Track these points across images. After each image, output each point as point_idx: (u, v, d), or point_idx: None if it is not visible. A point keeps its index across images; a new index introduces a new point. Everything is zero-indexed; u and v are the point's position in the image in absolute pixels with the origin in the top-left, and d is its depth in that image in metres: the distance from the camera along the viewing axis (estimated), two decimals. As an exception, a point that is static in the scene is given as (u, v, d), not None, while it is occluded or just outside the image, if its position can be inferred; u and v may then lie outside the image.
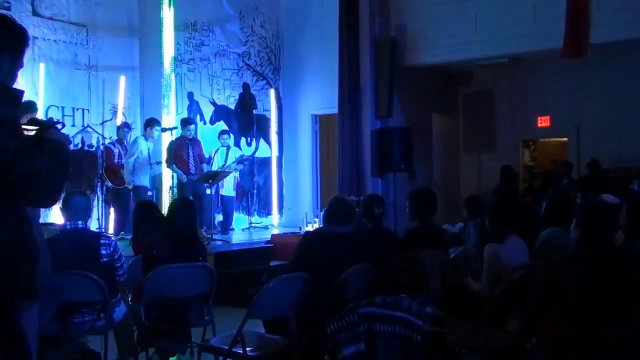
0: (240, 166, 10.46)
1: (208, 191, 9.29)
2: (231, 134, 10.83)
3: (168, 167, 9.31)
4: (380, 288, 3.75)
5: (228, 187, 10.33)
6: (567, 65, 10.55)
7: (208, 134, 11.14)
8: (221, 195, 10.33)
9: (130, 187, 9.19)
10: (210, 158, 10.29)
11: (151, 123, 9.26)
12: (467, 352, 4.21)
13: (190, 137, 9.37)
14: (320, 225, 8.15)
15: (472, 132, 12.90)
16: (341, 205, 4.59)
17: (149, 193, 9.39)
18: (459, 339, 4.01)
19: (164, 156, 9.35)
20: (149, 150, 9.25)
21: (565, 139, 12.30)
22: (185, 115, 10.47)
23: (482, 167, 12.63)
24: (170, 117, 9.69)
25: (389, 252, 4.53)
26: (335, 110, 11.10)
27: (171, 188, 9.60)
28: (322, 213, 8.81)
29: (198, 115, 11.13)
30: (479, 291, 4.41)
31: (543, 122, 12.25)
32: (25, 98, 9.34)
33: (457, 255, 5.16)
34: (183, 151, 9.21)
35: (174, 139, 9.37)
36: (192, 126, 9.54)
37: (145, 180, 9.22)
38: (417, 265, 4.44)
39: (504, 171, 10.54)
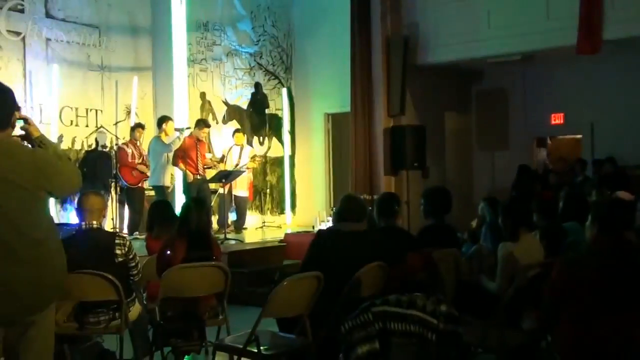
0: (255, 164, 10.44)
1: (221, 190, 9.31)
2: (244, 133, 10.85)
3: (174, 165, 9.35)
4: (394, 286, 3.74)
5: (241, 186, 10.34)
6: (581, 62, 10.49)
7: (220, 133, 11.19)
8: (234, 194, 10.35)
9: (151, 186, 9.27)
10: (222, 157, 10.32)
11: (165, 120, 9.29)
12: (481, 350, 4.20)
13: (202, 138, 9.39)
14: (331, 224, 8.16)
15: (485, 130, 12.84)
16: (353, 203, 4.58)
17: (168, 191, 9.45)
18: (473, 337, 3.99)
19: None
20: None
21: (580, 136, 12.22)
22: (198, 115, 10.53)
23: (496, 165, 12.56)
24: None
25: (403, 250, 4.52)
26: (347, 109, 11.09)
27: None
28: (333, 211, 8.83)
29: (211, 115, 11.17)
30: (494, 290, 4.39)
31: (557, 119, 12.17)
32: (37, 100, 9.44)
33: (471, 253, 5.13)
34: (192, 151, 9.23)
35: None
36: (207, 129, 9.57)
37: (167, 180, 9.28)
38: (431, 264, 4.43)
39: (520, 169, 10.53)
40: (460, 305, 3.44)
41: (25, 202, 2.81)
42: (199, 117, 10.72)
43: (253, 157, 10.28)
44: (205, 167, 9.48)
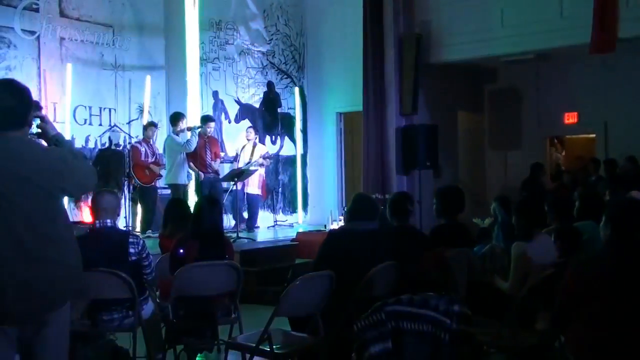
0: (268, 161, 10.44)
1: (233, 188, 9.33)
2: (257, 131, 10.86)
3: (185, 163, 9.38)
4: (407, 286, 3.74)
5: (253, 185, 10.35)
6: (595, 61, 10.42)
7: (233, 132, 11.21)
8: (247, 193, 10.36)
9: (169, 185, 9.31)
10: (236, 156, 10.34)
11: (179, 118, 9.32)
12: (494, 351, 4.18)
13: (209, 135, 9.41)
14: (343, 223, 8.16)
15: (498, 129, 12.79)
16: (365, 202, 4.58)
17: (185, 189, 9.49)
18: (486, 337, 3.98)
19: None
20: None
21: (593, 135, 12.15)
22: (210, 114, 10.55)
23: (508, 164, 12.51)
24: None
25: (415, 250, 4.51)
26: (359, 108, 11.08)
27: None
28: (345, 210, 8.82)
29: (223, 114, 11.20)
30: (507, 290, 4.38)
31: (570, 118, 12.10)
32: (52, 99, 9.51)
33: (484, 253, 5.11)
34: (201, 149, 9.26)
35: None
36: (212, 124, 9.58)
37: (183, 178, 9.32)
38: (444, 263, 4.42)
39: (532, 168, 10.49)
40: (473, 305, 3.43)
41: (40, 200, 2.83)
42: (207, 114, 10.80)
43: (265, 158, 10.26)
44: (221, 162, 9.52)
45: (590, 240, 4.64)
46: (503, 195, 6.86)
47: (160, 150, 9.54)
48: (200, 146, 9.27)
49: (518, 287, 4.23)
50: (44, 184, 2.83)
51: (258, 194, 10.50)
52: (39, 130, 3.00)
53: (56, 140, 3.02)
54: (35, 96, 8.71)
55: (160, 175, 9.41)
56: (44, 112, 8.84)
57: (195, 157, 9.26)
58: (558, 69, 11.56)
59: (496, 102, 12.85)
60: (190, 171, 9.53)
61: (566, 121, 12.13)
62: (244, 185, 10.05)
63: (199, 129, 9.32)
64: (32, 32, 9.19)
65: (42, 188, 2.82)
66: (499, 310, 4.16)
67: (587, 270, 3.20)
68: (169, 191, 9.43)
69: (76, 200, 9.02)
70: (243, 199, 10.28)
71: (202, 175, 9.27)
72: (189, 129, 9.26)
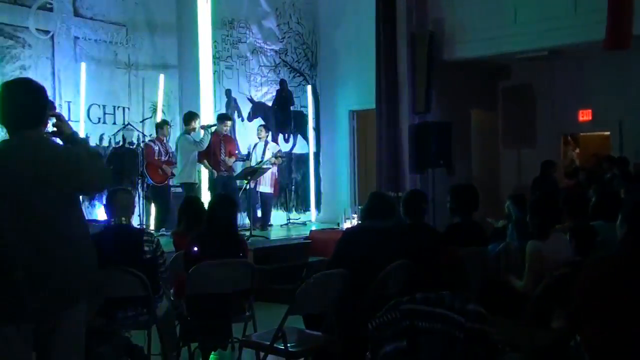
0: (280, 160, 10.44)
1: (248, 187, 9.34)
2: (269, 129, 10.87)
3: (199, 161, 9.41)
4: (421, 284, 3.72)
5: (265, 183, 10.35)
6: (609, 58, 10.34)
7: (246, 130, 11.22)
8: (259, 191, 10.36)
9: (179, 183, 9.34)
10: (248, 154, 10.35)
11: (192, 117, 9.35)
12: (509, 350, 4.16)
13: (225, 133, 9.43)
14: (359, 221, 8.15)
15: (512, 126, 12.73)
16: (381, 200, 4.58)
17: (196, 187, 9.52)
18: (501, 336, 3.96)
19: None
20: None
21: (608, 133, 12.06)
22: (223, 112, 10.56)
23: (522, 162, 12.45)
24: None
25: (430, 248, 4.50)
26: (372, 106, 11.06)
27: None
28: (360, 208, 8.80)
29: (236, 112, 11.22)
30: (521, 288, 4.35)
31: (584, 115, 12.02)
32: (66, 98, 9.55)
33: (499, 251, 5.09)
34: (216, 147, 9.28)
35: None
36: (229, 122, 9.61)
37: (195, 177, 9.35)
38: (458, 262, 4.41)
39: (542, 165, 10.45)
40: (488, 304, 3.42)
41: (56, 199, 2.84)
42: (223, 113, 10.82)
43: (276, 156, 10.26)
44: (234, 161, 9.54)
45: (605, 242, 4.60)
46: (517, 193, 6.82)
47: (174, 149, 9.57)
48: (215, 144, 9.30)
49: (533, 285, 4.21)
50: (60, 183, 2.85)
51: (270, 192, 10.51)
52: (55, 129, 3.02)
53: (72, 138, 3.03)
54: (49, 95, 8.75)
55: (173, 174, 9.44)
56: (58, 111, 8.92)
57: (209, 155, 9.28)
58: (572, 65, 11.48)
59: (510, 99, 12.78)
60: (204, 169, 9.56)
61: (580, 118, 12.05)
62: (256, 184, 10.06)
63: (214, 127, 9.34)
64: (47, 32, 9.25)
65: (58, 187, 2.84)
66: (513, 309, 4.14)
67: (603, 269, 3.17)
68: (180, 189, 9.47)
69: (91, 198, 9.07)
70: (256, 198, 10.29)
71: (215, 173, 9.30)
72: (204, 127, 9.29)
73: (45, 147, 2.94)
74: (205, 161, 9.32)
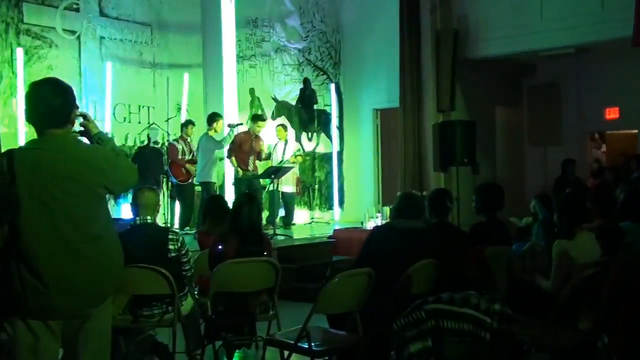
0: (299, 159, 10.40)
1: (271, 187, 9.35)
2: (287, 128, 10.83)
3: (228, 157, 9.43)
4: (446, 284, 3.70)
5: (287, 182, 10.31)
6: (637, 55, 10.18)
7: (270, 129, 11.23)
8: (281, 191, 10.32)
9: (197, 182, 9.37)
10: (269, 153, 10.37)
11: (215, 118, 9.39)
12: (535, 350, 4.12)
13: (258, 133, 9.44)
14: (387, 220, 8.12)
15: (537, 124, 12.61)
16: (412, 201, 4.56)
17: (215, 187, 9.55)
18: (527, 337, 3.92)
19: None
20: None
21: (635, 131, 11.89)
22: (247, 111, 10.61)
23: (548, 160, 12.31)
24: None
25: (455, 247, 4.47)
26: (396, 104, 11.02)
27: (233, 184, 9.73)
28: (387, 208, 8.78)
29: (259, 111, 11.24)
30: (548, 288, 4.31)
31: (611, 113, 11.87)
32: (93, 97, 9.61)
33: (524, 251, 5.04)
34: (246, 146, 9.31)
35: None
36: (262, 123, 9.59)
37: (214, 176, 9.38)
38: (484, 261, 4.37)
39: (562, 164, 10.38)
40: (513, 304, 3.39)
41: (84, 198, 2.87)
42: (248, 113, 10.86)
43: (296, 156, 10.22)
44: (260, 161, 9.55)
45: (633, 243, 4.53)
46: (543, 192, 6.76)
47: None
48: (245, 142, 9.30)
49: (560, 285, 4.16)
50: (88, 182, 2.87)
51: (293, 192, 10.50)
52: (82, 129, 3.05)
53: (98, 138, 3.06)
54: (76, 95, 8.86)
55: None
56: (83, 110, 9.02)
57: (237, 154, 9.30)
58: (599, 63, 11.34)
59: (535, 97, 12.66)
60: (230, 167, 9.57)
61: (607, 116, 11.91)
62: (278, 184, 10.03)
63: (239, 126, 9.38)
64: (73, 32, 9.36)
65: (85, 186, 2.87)
66: (539, 310, 4.10)
67: (632, 270, 3.13)
68: (200, 188, 9.51)
69: (117, 197, 9.14)
70: (278, 197, 10.29)
71: (240, 172, 9.31)
72: (230, 125, 9.31)
73: (74, 146, 2.97)
74: (233, 158, 9.33)
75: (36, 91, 2.94)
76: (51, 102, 2.89)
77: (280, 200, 10.34)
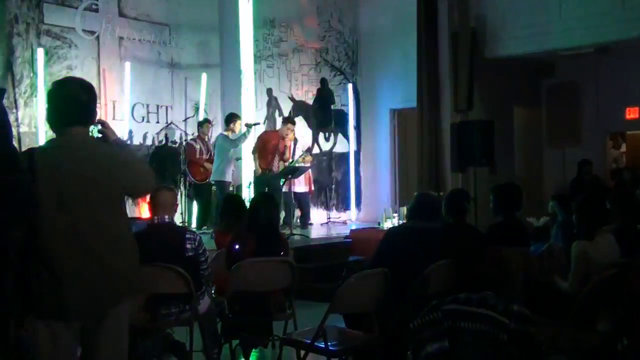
0: (309, 158, 10.34)
1: (285, 188, 9.34)
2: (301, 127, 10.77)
3: (252, 154, 9.40)
4: (464, 285, 3.69)
5: (300, 182, 10.21)
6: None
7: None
8: (294, 191, 10.24)
9: (213, 182, 9.39)
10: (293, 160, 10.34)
11: (233, 118, 9.39)
12: (553, 352, 4.09)
13: (284, 135, 9.42)
14: (404, 221, 8.09)
15: (556, 124, 12.50)
16: (428, 201, 4.55)
17: (230, 188, 9.56)
18: (545, 338, 3.89)
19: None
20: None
21: (656, 131, 11.78)
22: (264, 111, 10.62)
23: (567, 161, 12.20)
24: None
25: (472, 248, 4.45)
26: (413, 104, 10.98)
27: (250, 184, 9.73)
28: (404, 208, 8.73)
29: (277, 111, 11.26)
30: (567, 290, 4.27)
31: (632, 113, 11.74)
32: (111, 97, 9.66)
33: (542, 252, 5.01)
34: (270, 145, 9.26)
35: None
36: (292, 126, 9.49)
37: (229, 176, 9.40)
38: (501, 262, 4.35)
39: (579, 165, 10.30)
40: (532, 305, 3.36)
41: (104, 199, 2.89)
42: (265, 113, 10.87)
43: (304, 157, 10.14)
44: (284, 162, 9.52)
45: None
46: (562, 193, 6.71)
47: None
48: (270, 143, 9.26)
49: (579, 287, 4.13)
50: (108, 182, 2.89)
51: (306, 191, 10.45)
52: (100, 135, 3.07)
53: (116, 145, 3.08)
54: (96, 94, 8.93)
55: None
56: (103, 110, 9.11)
57: (262, 152, 9.26)
58: (619, 62, 11.22)
59: (554, 97, 12.56)
60: (250, 166, 9.55)
61: (627, 116, 11.77)
62: (290, 184, 9.99)
63: (257, 125, 9.37)
64: (92, 32, 9.44)
65: (105, 186, 2.88)
66: (558, 311, 4.07)
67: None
68: (215, 187, 9.52)
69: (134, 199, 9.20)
70: (291, 198, 10.23)
71: (259, 170, 9.29)
72: (247, 125, 9.31)
73: (94, 146, 2.99)
74: (257, 156, 9.30)
75: (63, 87, 2.97)
76: (79, 97, 2.91)
77: (294, 202, 10.29)
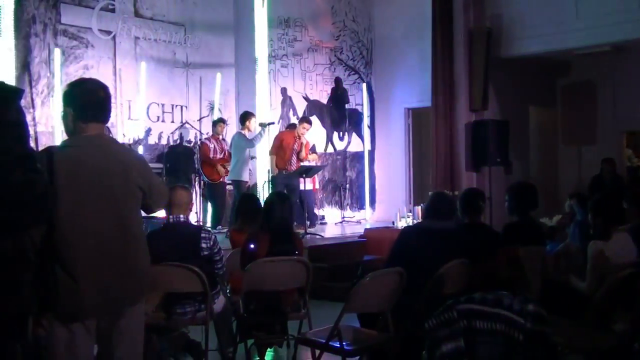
0: (314, 156, 10.26)
1: (302, 186, 9.33)
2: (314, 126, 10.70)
3: (270, 154, 9.38)
4: (479, 284, 3.67)
5: (306, 180, 10.12)
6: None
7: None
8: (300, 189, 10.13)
9: (230, 181, 9.39)
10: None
11: (248, 116, 9.39)
12: (570, 352, 4.07)
13: (302, 135, 9.40)
14: (418, 220, 8.08)
15: (572, 124, 12.42)
16: (443, 201, 4.53)
17: (246, 186, 9.57)
18: (561, 338, 3.87)
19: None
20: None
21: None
22: (279, 110, 10.62)
23: (583, 160, 12.13)
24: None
25: (487, 247, 4.43)
26: (428, 104, 10.95)
27: (266, 182, 9.74)
28: (420, 207, 8.71)
29: (291, 110, 11.28)
30: (583, 289, 4.25)
31: (648, 112, 11.65)
32: (127, 97, 9.70)
33: (558, 251, 4.98)
34: (289, 144, 9.24)
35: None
36: (307, 125, 9.37)
37: (246, 175, 9.40)
38: (517, 262, 4.33)
39: (602, 163, 10.21)
40: (548, 305, 3.34)
41: (128, 197, 2.92)
42: (279, 112, 10.87)
43: (311, 153, 10.05)
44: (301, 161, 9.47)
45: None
46: (580, 192, 6.66)
47: (229, 146, 9.66)
48: (290, 141, 9.24)
49: (595, 286, 4.10)
50: (126, 182, 2.92)
51: (310, 190, 10.38)
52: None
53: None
54: (112, 94, 8.99)
55: (228, 172, 9.50)
56: (118, 110, 9.17)
57: (278, 151, 9.24)
58: (636, 61, 11.12)
59: (570, 96, 12.48)
60: (266, 165, 9.53)
61: (644, 115, 11.68)
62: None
63: (271, 124, 9.37)
64: (108, 32, 9.50)
65: (123, 186, 2.91)
66: (574, 310, 4.04)
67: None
68: (231, 187, 9.52)
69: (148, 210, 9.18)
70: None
71: (276, 170, 9.23)
72: (262, 124, 9.31)
73: (112, 145, 3.03)
74: (274, 155, 9.27)
75: (81, 85, 3.01)
76: (98, 94, 2.95)
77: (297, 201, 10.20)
